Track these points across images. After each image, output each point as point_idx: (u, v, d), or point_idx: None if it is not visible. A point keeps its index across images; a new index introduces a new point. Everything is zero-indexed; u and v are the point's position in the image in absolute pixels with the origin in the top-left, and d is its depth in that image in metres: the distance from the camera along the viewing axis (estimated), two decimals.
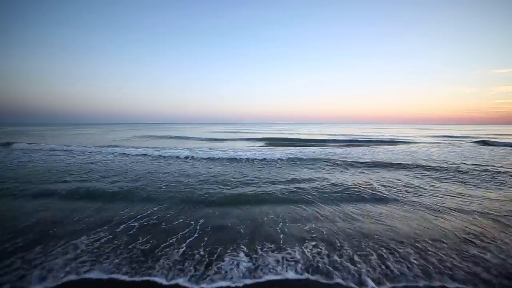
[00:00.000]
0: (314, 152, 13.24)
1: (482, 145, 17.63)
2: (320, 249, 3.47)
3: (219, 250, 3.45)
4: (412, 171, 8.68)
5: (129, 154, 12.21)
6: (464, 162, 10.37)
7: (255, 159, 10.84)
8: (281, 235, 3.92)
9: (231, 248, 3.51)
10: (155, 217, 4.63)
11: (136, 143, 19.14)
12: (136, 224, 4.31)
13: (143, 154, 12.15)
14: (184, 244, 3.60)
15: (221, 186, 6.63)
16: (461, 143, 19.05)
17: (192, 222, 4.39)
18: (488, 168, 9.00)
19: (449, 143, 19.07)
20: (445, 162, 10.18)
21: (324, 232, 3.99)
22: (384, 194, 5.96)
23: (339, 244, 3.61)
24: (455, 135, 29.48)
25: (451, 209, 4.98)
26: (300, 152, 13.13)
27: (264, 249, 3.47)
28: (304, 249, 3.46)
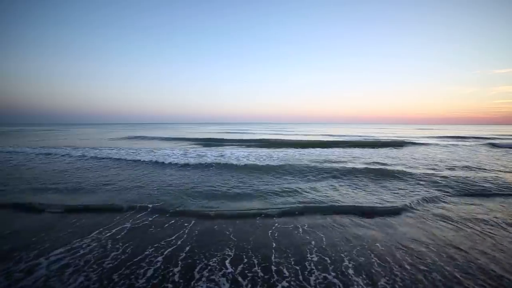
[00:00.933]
0: (313, 153, 12.62)
1: (492, 147, 16.34)
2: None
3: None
4: (426, 181, 7.16)
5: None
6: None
7: (240, 164, 9.40)
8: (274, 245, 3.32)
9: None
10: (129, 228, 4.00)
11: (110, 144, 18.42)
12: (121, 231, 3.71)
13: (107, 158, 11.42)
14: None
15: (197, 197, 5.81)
16: (470, 145, 17.76)
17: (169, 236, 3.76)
18: None
19: (460, 145, 17.56)
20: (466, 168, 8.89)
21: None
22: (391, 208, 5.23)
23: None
24: (459, 135, 27.78)
25: None
26: (300, 153, 12.56)
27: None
28: (305, 275, 2.83)
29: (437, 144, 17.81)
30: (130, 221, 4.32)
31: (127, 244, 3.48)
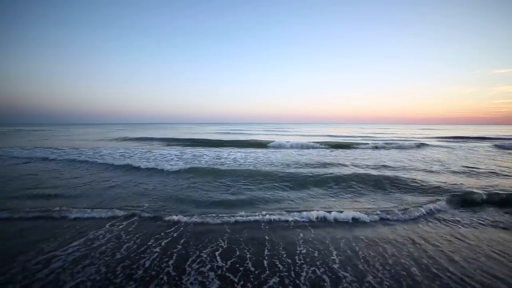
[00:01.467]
0: (311, 155, 12.66)
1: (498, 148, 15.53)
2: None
3: None
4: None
5: None
6: None
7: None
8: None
9: None
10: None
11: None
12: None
13: None
14: None
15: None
16: (477, 146, 16.82)
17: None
18: None
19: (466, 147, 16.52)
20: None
21: None
22: None
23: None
24: (463, 135, 26.75)
25: None
26: (299, 154, 12.63)
27: None
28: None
29: (447, 146, 16.82)
30: (137, 216, 4.66)
31: (137, 235, 3.90)
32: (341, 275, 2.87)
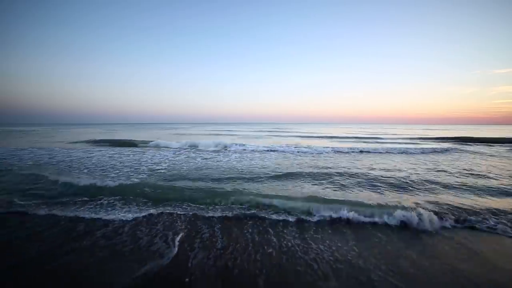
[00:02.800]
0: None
1: None
2: None
3: None
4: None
5: None
6: None
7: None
8: None
9: None
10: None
11: None
12: None
13: None
14: None
15: None
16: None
17: None
18: None
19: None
20: None
21: None
22: None
23: None
24: (471, 136, 24.84)
25: None
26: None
27: None
28: None
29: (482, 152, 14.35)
30: None
31: None
32: None
